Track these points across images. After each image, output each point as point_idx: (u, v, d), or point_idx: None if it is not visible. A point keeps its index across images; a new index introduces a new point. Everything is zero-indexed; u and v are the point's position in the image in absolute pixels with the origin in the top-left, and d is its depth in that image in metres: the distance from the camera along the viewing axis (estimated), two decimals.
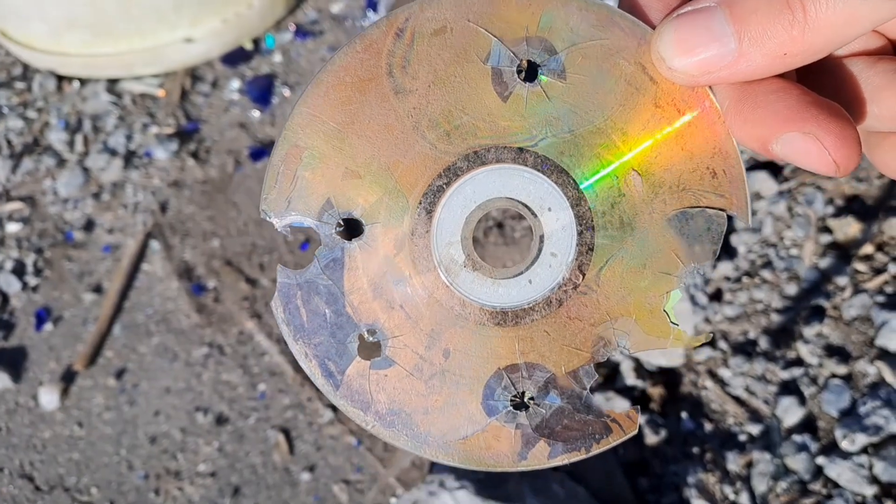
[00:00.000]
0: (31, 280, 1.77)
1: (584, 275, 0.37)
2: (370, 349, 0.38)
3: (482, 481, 1.26)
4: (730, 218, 0.37)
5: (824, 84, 0.35)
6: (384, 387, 0.38)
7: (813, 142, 0.32)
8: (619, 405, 1.38)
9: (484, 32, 0.36)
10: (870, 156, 0.37)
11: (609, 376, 1.45)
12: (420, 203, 0.37)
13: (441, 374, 0.38)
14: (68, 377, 1.64)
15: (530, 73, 0.36)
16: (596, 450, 0.38)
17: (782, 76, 0.34)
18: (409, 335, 0.38)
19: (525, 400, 0.38)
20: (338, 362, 0.38)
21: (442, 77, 0.36)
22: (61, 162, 1.95)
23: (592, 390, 0.38)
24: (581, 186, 0.37)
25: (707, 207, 0.36)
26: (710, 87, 0.36)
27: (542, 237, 0.38)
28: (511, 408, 0.38)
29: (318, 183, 0.37)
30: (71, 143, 1.97)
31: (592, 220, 0.37)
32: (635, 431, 0.38)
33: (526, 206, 0.37)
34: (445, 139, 0.37)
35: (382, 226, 0.37)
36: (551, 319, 0.38)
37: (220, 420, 1.56)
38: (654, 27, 0.36)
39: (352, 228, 0.38)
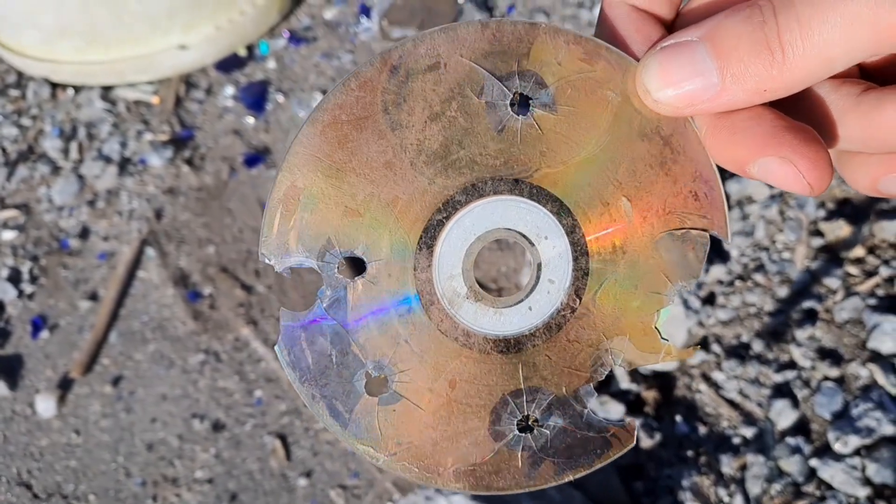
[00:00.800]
0: (27, 288, 1.77)
1: (580, 299, 0.39)
2: (377, 385, 0.39)
3: None
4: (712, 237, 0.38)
5: (796, 107, 0.37)
6: (392, 422, 0.39)
7: (788, 165, 0.34)
8: (614, 409, 1.39)
9: (476, 67, 0.37)
10: (841, 172, 0.39)
11: (604, 381, 1.46)
12: (421, 238, 0.38)
13: (448, 404, 0.39)
14: (65, 385, 1.64)
15: (522, 106, 0.37)
16: (598, 464, 0.39)
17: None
18: (415, 369, 0.39)
19: (530, 423, 0.39)
20: (345, 401, 0.38)
21: (437, 112, 0.37)
22: (56, 169, 1.95)
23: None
24: (574, 213, 0.38)
25: (691, 229, 0.38)
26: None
27: (539, 265, 0.39)
28: (517, 431, 0.39)
29: (318, 223, 0.37)
30: (65, 151, 1.98)
31: (586, 246, 0.38)
32: (633, 444, 0.39)
33: (523, 236, 0.39)
34: (443, 174, 0.38)
35: (385, 262, 0.38)
36: (551, 343, 0.39)
37: (217, 426, 1.56)
38: (637, 59, 0.37)
39: (354, 266, 0.38)
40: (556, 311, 0.39)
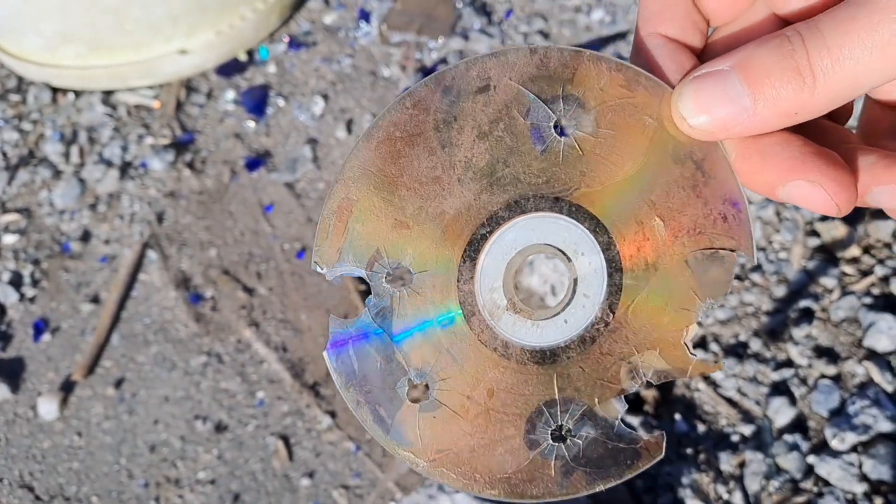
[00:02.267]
0: (29, 291, 1.78)
1: (613, 313, 0.40)
2: (419, 393, 0.40)
3: None
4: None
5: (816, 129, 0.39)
6: (432, 428, 0.40)
7: (817, 189, 0.36)
8: None
9: (523, 91, 0.39)
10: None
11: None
12: (465, 251, 0.39)
13: (486, 412, 0.40)
14: (67, 387, 1.65)
15: (566, 128, 0.40)
16: (628, 474, 0.40)
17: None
18: (455, 377, 0.40)
19: (563, 433, 0.40)
20: (388, 407, 0.40)
21: (485, 132, 0.39)
22: (57, 173, 1.96)
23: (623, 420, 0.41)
24: (610, 231, 0.40)
25: (720, 249, 0.40)
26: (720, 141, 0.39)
27: (575, 280, 0.40)
28: (551, 441, 0.40)
29: (369, 234, 0.39)
30: (66, 155, 1.98)
31: (621, 263, 0.40)
32: (662, 455, 0.41)
33: (562, 252, 0.40)
34: (488, 190, 0.39)
35: (430, 274, 0.39)
36: (585, 356, 0.40)
37: (220, 428, 1.57)
38: (671, 85, 0.39)
39: (401, 277, 0.40)
40: (590, 325, 0.40)
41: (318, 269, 0.39)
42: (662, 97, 0.39)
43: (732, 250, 0.40)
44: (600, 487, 0.40)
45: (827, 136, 0.39)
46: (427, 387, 0.40)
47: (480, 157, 0.39)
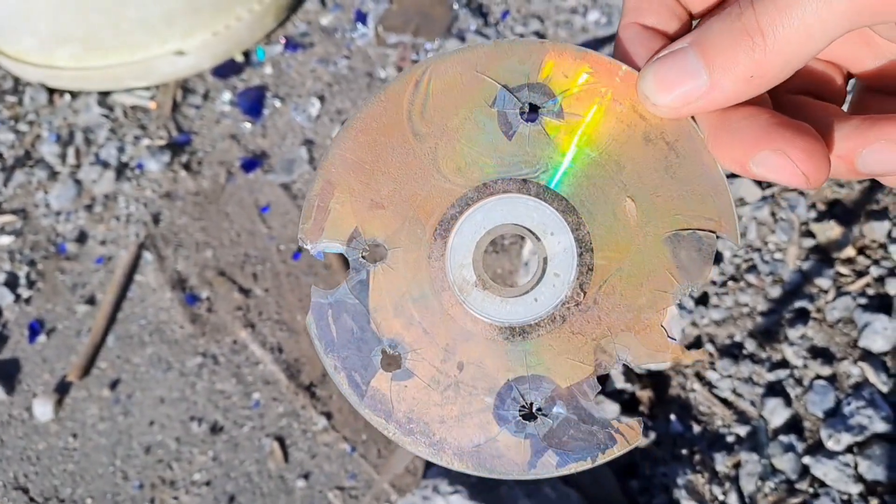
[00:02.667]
0: (24, 292, 1.78)
1: (585, 293, 0.41)
2: (392, 362, 0.42)
3: (475, 486, 1.27)
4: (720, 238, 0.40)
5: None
6: (404, 397, 0.41)
7: (782, 157, 0.35)
8: (609, 409, 1.41)
9: (491, 81, 0.41)
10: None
11: (598, 380, 1.47)
12: (436, 230, 0.41)
13: (455, 385, 0.41)
14: (62, 388, 1.65)
15: (532, 114, 0.41)
16: (601, 459, 0.40)
17: (756, 102, 0.37)
18: (426, 349, 0.41)
19: (533, 411, 0.41)
20: (363, 374, 0.42)
21: (455, 120, 0.41)
22: (53, 174, 1.96)
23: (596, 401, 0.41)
24: (579, 211, 0.41)
25: (698, 230, 0.40)
26: (693, 119, 0.40)
27: (545, 259, 0.41)
28: (520, 418, 0.41)
29: (348, 214, 0.42)
30: (63, 156, 1.98)
31: (591, 243, 0.41)
32: (639, 441, 0.41)
33: (530, 231, 0.41)
34: (458, 173, 0.41)
35: (403, 250, 0.42)
36: (556, 335, 0.41)
37: (215, 429, 1.57)
38: (638, 70, 0.40)
39: (376, 253, 0.42)
40: (560, 304, 0.41)
41: (303, 245, 0.42)
42: (632, 81, 0.40)
43: (712, 231, 0.40)
44: (572, 470, 0.40)
45: (811, 112, 0.39)
46: (400, 357, 0.42)
47: (450, 143, 0.41)
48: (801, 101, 0.40)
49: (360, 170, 0.42)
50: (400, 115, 0.41)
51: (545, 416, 0.41)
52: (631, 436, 0.41)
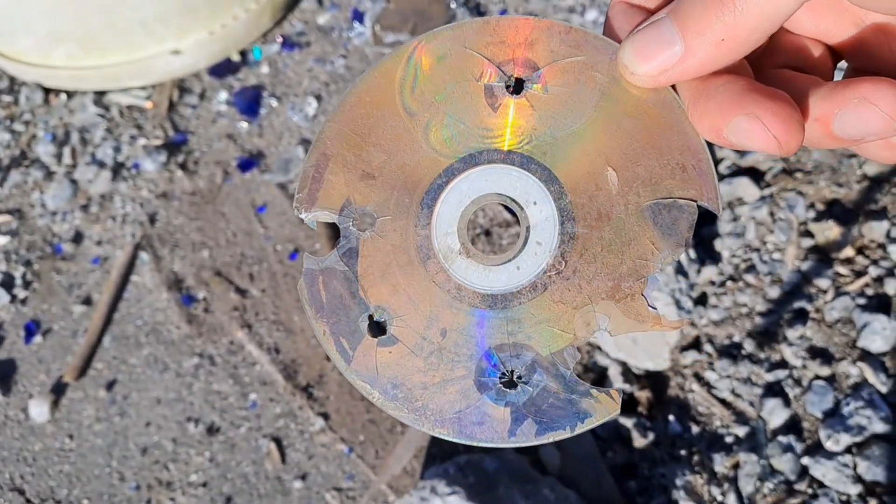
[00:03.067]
0: (20, 293, 1.77)
1: (566, 261, 0.42)
2: (378, 329, 0.43)
3: (473, 487, 1.27)
4: (708, 213, 0.41)
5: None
6: (388, 363, 0.42)
7: (755, 121, 0.35)
8: None
9: (478, 55, 0.43)
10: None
11: (597, 380, 1.47)
12: (423, 199, 0.43)
13: (438, 351, 0.42)
14: (58, 389, 1.64)
15: (517, 87, 0.42)
16: (580, 429, 0.41)
17: (734, 72, 0.38)
18: (411, 316, 0.43)
19: (514, 378, 0.42)
20: (350, 339, 0.43)
21: (443, 94, 0.43)
22: (49, 174, 1.95)
23: (577, 371, 0.41)
24: (561, 181, 0.42)
25: (679, 198, 0.41)
26: (673, 88, 0.40)
27: (528, 228, 0.42)
28: (501, 386, 0.42)
29: (341, 184, 0.43)
30: (59, 156, 1.98)
31: (573, 212, 0.42)
32: (618, 412, 0.41)
33: (514, 200, 0.42)
34: (444, 145, 0.43)
35: (392, 219, 0.43)
36: (537, 302, 0.42)
37: (212, 430, 1.56)
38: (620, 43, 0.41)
39: (366, 222, 0.43)
40: (542, 272, 0.42)
41: (298, 214, 0.43)
42: (613, 55, 0.41)
43: (693, 200, 0.40)
44: (550, 439, 0.41)
45: (793, 84, 0.39)
46: (385, 324, 0.43)
47: (439, 116, 0.43)
48: (786, 75, 0.40)
49: (353, 142, 0.43)
50: (392, 89, 0.43)
51: (525, 384, 0.41)
52: (610, 406, 0.41)
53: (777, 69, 0.41)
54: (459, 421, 0.42)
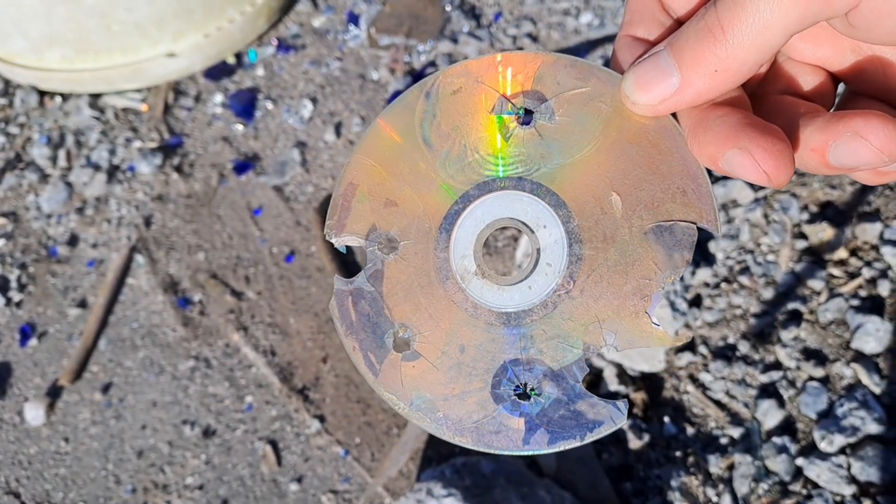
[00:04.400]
0: (15, 296, 1.77)
1: (574, 281, 0.44)
2: (402, 345, 0.46)
3: (469, 489, 1.27)
4: (702, 230, 0.43)
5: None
6: (412, 376, 0.46)
7: (746, 155, 0.37)
8: None
9: (490, 89, 0.46)
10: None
11: (593, 382, 1.47)
12: (441, 224, 0.46)
13: (457, 366, 0.45)
14: (54, 392, 1.64)
15: (527, 118, 0.45)
16: (589, 438, 0.44)
17: (734, 104, 0.40)
18: (432, 333, 0.46)
19: (527, 391, 0.44)
20: (377, 354, 0.46)
21: (459, 125, 0.46)
22: (44, 177, 1.95)
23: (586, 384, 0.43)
24: (569, 206, 0.44)
25: (679, 221, 0.43)
26: (674, 116, 0.43)
27: (538, 250, 0.45)
28: (515, 397, 0.44)
29: (367, 211, 0.47)
30: (54, 159, 1.97)
31: (580, 235, 0.44)
32: (625, 421, 0.45)
33: (525, 224, 0.45)
34: (461, 173, 0.46)
35: (413, 243, 0.46)
36: (548, 320, 0.45)
37: (208, 433, 1.56)
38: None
39: (389, 245, 0.47)
40: (552, 291, 0.44)
41: (329, 238, 0.46)
42: (615, 86, 0.44)
43: (693, 222, 0.43)
44: (562, 447, 0.44)
45: (793, 110, 0.41)
46: (409, 340, 0.46)
47: (455, 147, 0.46)
48: (786, 102, 0.42)
49: (377, 172, 0.46)
50: (412, 122, 0.46)
51: (538, 395, 0.44)
52: (617, 416, 0.44)
53: (779, 95, 0.43)
54: (478, 430, 0.45)
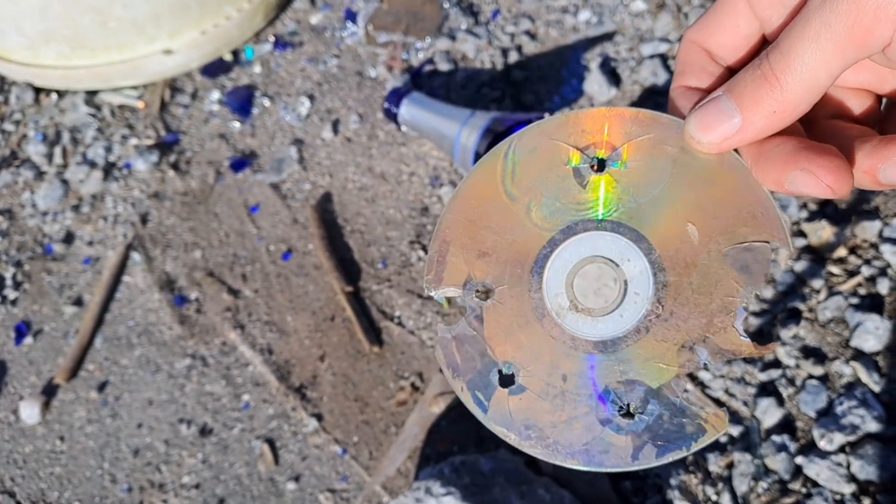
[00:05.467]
0: (10, 293, 1.76)
1: (663, 306, 0.48)
2: (507, 380, 0.50)
3: (468, 487, 1.27)
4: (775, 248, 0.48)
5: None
6: (520, 408, 0.49)
7: (808, 174, 0.42)
8: None
9: (564, 145, 0.51)
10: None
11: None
12: (532, 268, 0.51)
13: (562, 394, 0.49)
14: (49, 391, 1.63)
15: (600, 166, 0.50)
16: (695, 447, 0.47)
17: (787, 132, 0.45)
18: (534, 366, 0.50)
19: (630, 410, 0.48)
20: (484, 392, 0.50)
21: (538, 179, 0.51)
22: (40, 174, 1.94)
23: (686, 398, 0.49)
24: (649, 239, 0.49)
25: (753, 242, 0.47)
26: (736, 151, 0.47)
27: (625, 281, 0.49)
28: (620, 417, 0.48)
29: (461, 264, 0.52)
30: (49, 156, 1.96)
31: (663, 264, 0.49)
32: (726, 429, 0.48)
33: (610, 260, 0.50)
34: (545, 220, 0.51)
35: (507, 287, 0.51)
36: (642, 343, 0.48)
37: (204, 431, 1.55)
38: (684, 118, 0.48)
39: (486, 292, 0.51)
40: (643, 317, 0.48)
41: (428, 293, 0.51)
42: (678, 129, 0.48)
43: (766, 241, 0.47)
44: (670, 459, 0.47)
45: (843, 133, 0.46)
46: (513, 375, 0.50)
47: (537, 198, 0.51)
48: (836, 126, 0.48)
49: (468, 227, 0.51)
50: (495, 180, 0.51)
51: (641, 413, 0.47)
52: (718, 424, 0.48)
53: (829, 120, 0.49)
54: (587, 452, 0.48)
